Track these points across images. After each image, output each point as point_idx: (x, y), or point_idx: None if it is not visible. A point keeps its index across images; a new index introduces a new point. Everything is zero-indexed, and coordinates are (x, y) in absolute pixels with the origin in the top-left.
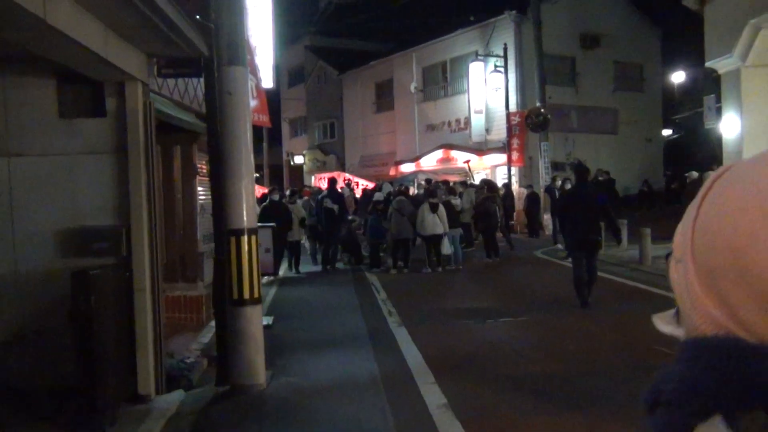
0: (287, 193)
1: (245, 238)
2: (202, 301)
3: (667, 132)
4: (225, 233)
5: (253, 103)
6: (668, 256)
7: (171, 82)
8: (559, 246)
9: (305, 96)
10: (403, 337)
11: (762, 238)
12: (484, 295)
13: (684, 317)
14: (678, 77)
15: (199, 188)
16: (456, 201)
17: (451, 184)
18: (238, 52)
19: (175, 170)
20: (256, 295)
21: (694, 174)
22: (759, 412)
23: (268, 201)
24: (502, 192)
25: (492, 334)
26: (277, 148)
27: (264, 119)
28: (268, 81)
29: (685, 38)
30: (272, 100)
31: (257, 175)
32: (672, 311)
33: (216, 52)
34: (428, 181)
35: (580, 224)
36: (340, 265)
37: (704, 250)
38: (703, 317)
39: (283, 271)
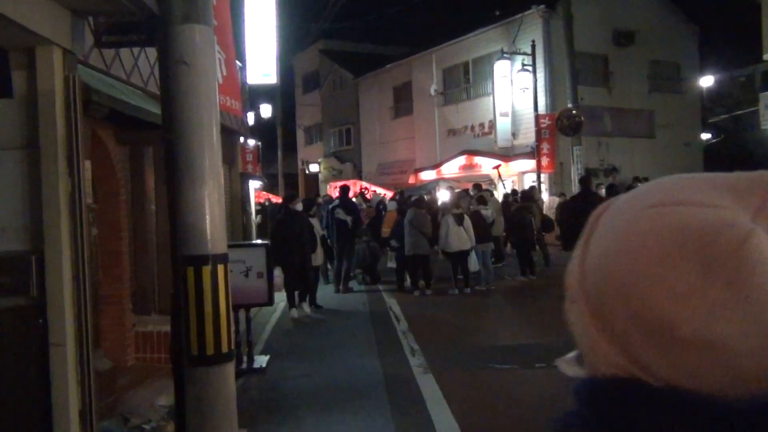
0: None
1: (209, 268)
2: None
3: (705, 136)
4: (180, 261)
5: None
6: None
7: (130, 62)
8: None
9: (320, 102)
10: (430, 390)
11: (650, 279)
12: (527, 326)
13: (584, 358)
14: (715, 78)
15: None
16: (487, 211)
17: (475, 192)
18: (197, 4)
19: (147, 176)
20: (224, 348)
21: None
22: None
23: (283, 212)
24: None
25: (547, 385)
26: (292, 156)
27: (235, 106)
28: (271, 75)
29: (723, 35)
30: (287, 106)
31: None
32: (574, 353)
33: (166, 6)
34: (450, 189)
35: (582, 226)
36: (353, 283)
37: (595, 293)
38: (602, 359)
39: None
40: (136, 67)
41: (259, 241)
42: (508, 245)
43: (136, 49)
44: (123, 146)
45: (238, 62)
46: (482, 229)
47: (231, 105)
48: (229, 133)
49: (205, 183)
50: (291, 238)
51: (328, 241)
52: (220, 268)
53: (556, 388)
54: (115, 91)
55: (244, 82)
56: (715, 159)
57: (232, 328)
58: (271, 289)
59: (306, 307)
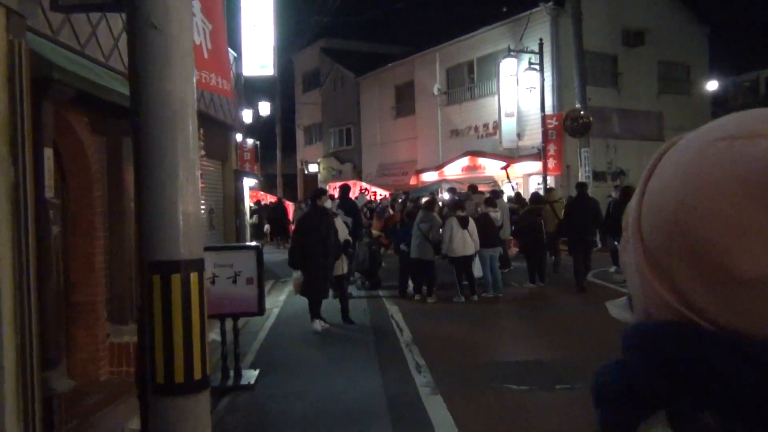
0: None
1: (179, 277)
2: None
3: None
4: (145, 268)
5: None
6: None
7: (109, 43)
8: (613, 270)
9: (321, 101)
10: (440, 415)
11: (712, 214)
12: (541, 340)
13: (635, 303)
14: (719, 82)
15: None
16: (496, 214)
17: (469, 193)
18: None
19: (126, 171)
20: (197, 375)
21: None
22: (703, 414)
23: (310, 207)
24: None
25: (570, 410)
26: (291, 156)
27: (224, 86)
28: (269, 67)
29: (735, 37)
30: (286, 105)
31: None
32: (625, 297)
33: None
34: (452, 190)
35: (580, 228)
36: (353, 289)
37: (651, 229)
38: (653, 302)
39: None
40: (116, 48)
41: (251, 243)
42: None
43: (116, 28)
44: (99, 136)
45: (233, 52)
46: (491, 233)
47: (219, 84)
48: (222, 128)
49: (177, 173)
50: (315, 238)
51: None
52: (194, 276)
53: (580, 413)
54: (86, 72)
55: (239, 74)
56: None
57: (208, 349)
58: (261, 297)
59: (318, 324)
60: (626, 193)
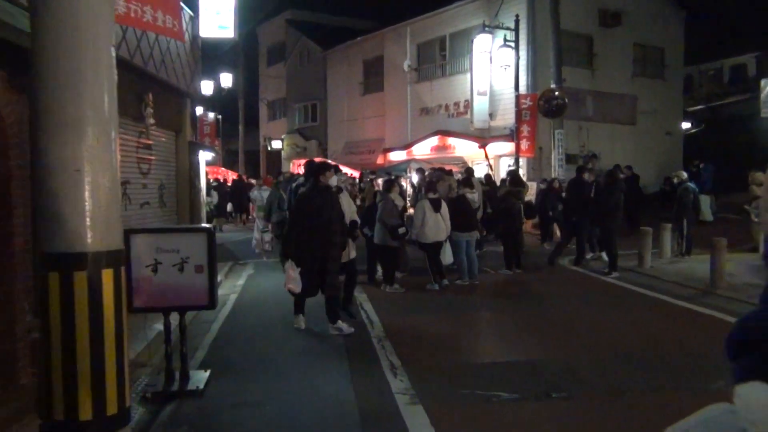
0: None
1: (83, 275)
2: None
3: (685, 125)
4: (39, 264)
5: None
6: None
7: None
8: (590, 257)
9: (285, 75)
10: None
11: None
12: (529, 336)
13: None
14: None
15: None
16: (473, 195)
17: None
18: None
19: None
20: (111, 409)
21: (683, 174)
22: None
23: (311, 185)
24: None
25: (570, 424)
26: (254, 132)
27: (173, 27)
28: (229, 29)
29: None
30: (250, 79)
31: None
32: (761, 257)
33: None
34: (420, 171)
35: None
36: None
37: None
38: None
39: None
40: None
41: (201, 225)
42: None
43: None
44: (18, 94)
45: (188, 10)
46: (468, 216)
47: (164, 23)
48: (176, 94)
49: (84, 132)
50: (317, 224)
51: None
52: (107, 274)
53: (582, 428)
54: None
55: (196, 36)
56: (694, 149)
57: (128, 373)
58: (213, 288)
59: (301, 321)
60: (613, 177)
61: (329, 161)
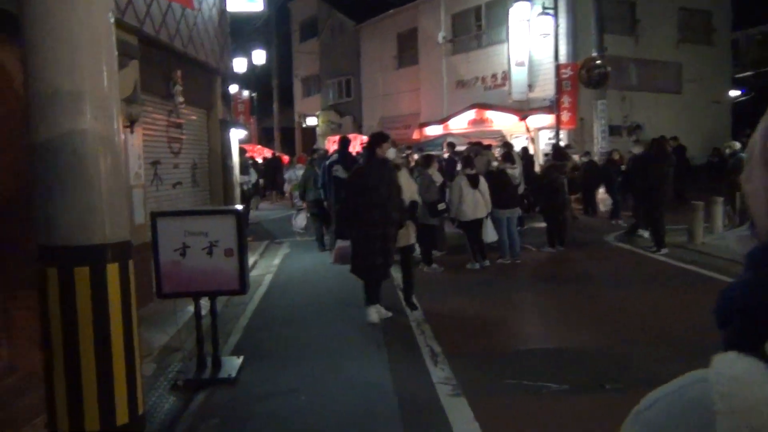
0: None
1: (86, 271)
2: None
3: (734, 93)
4: (37, 258)
5: None
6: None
7: None
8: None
9: (318, 51)
10: (466, 427)
11: None
12: (574, 318)
13: (759, 227)
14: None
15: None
16: (514, 171)
17: (490, 147)
18: None
19: None
20: (122, 418)
21: (736, 145)
22: None
23: (366, 158)
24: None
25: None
26: (289, 109)
27: None
28: (257, 1)
29: None
30: (283, 56)
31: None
32: (746, 226)
33: None
34: (451, 145)
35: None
36: None
37: None
38: None
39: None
40: None
41: (229, 207)
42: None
43: None
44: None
45: None
46: (509, 192)
47: None
48: (205, 71)
49: (78, 113)
50: (374, 200)
51: (325, 202)
52: (112, 269)
53: None
54: None
55: (224, 9)
56: (743, 119)
57: (140, 378)
58: (243, 272)
59: (374, 313)
60: (662, 149)
61: (384, 132)
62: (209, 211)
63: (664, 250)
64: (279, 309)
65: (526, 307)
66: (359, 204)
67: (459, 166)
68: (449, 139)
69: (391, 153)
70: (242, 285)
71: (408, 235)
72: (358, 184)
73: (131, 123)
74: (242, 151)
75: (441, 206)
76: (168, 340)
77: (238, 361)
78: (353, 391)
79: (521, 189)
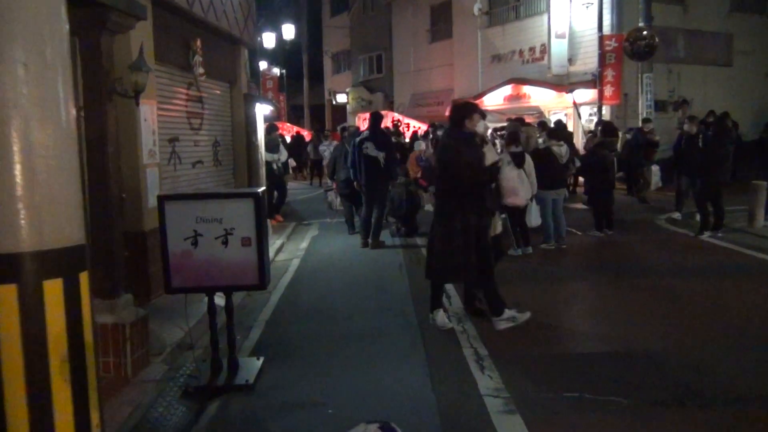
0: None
1: (12, 289)
2: (127, 333)
3: None
4: None
5: None
6: None
7: None
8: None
9: (349, 26)
10: None
11: None
12: (635, 315)
13: None
14: None
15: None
16: (560, 148)
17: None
18: None
19: (101, 73)
20: None
21: None
22: None
23: (452, 134)
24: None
25: None
26: (319, 86)
27: None
28: None
29: None
30: (313, 32)
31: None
32: None
33: None
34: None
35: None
36: (386, 236)
37: None
38: None
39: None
40: None
41: (247, 189)
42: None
43: None
44: None
45: None
46: (555, 172)
47: None
48: (228, 41)
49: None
50: (466, 182)
51: (355, 182)
52: (52, 287)
53: None
54: None
55: None
56: None
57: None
58: (263, 264)
59: (443, 317)
60: (723, 126)
61: (470, 101)
62: (224, 194)
63: (707, 233)
64: (305, 299)
65: (579, 301)
66: (447, 190)
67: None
68: (488, 116)
69: (481, 126)
70: (262, 278)
71: (497, 224)
72: (447, 165)
73: (136, 94)
74: (273, 128)
75: None
76: (183, 336)
77: (258, 363)
78: (387, 403)
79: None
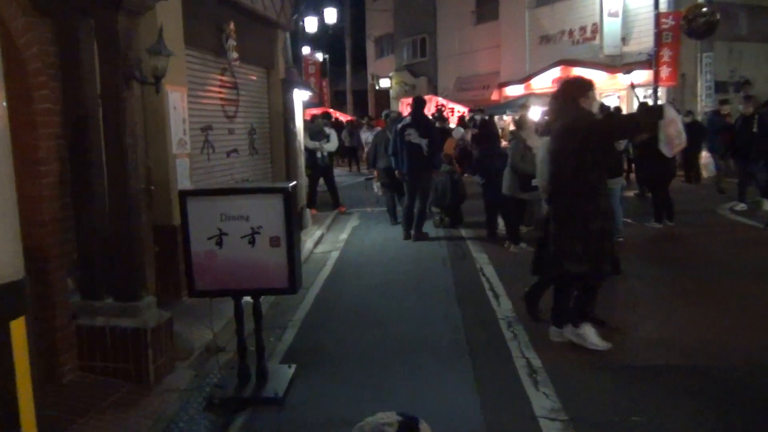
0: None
1: None
2: (149, 339)
3: None
4: None
5: None
6: None
7: None
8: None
9: (392, 8)
10: None
11: None
12: (708, 319)
13: None
14: None
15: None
16: None
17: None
18: None
19: (87, 71)
20: None
21: None
22: None
23: (569, 114)
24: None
25: None
26: (362, 71)
27: None
28: None
29: None
30: (356, 16)
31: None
32: None
33: None
34: (523, 107)
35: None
36: (429, 228)
37: None
38: None
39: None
40: None
41: (278, 185)
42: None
43: None
44: (40, 18)
45: None
46: (613, 159)
47: None
48: (265, 24)
49: None
50: (591, 170)
51: (397, 171)
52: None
53: None
54: None
55: None
56: None
57: None
58: (294, 266)
59: (592, 333)
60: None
61: (583, 78)
62: (251, 189)
63: None
64: (344, 297)
65: (642, 301)
66: (565, 180)
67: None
68: (538, 101)
69: (596, 105)
70: (292, 282)
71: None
72: (564, 152)
73: (156, 79)
74: (325, 115)
75: (535, 182)
76: (212, 337)
77: (289, 371)
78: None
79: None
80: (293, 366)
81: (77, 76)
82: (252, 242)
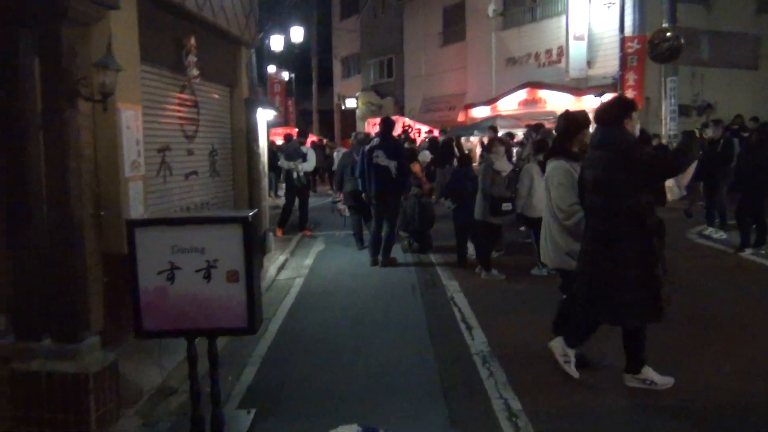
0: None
1: None
2: (90, 385)
3: None
4: None
5: None
6: None
7: None
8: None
9: (359, 29)
10: None
11: None
12: (704, 349)
13: None
14: None
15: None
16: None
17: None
18: None
19: (24, 86)
20: None
21: None
22: None
23: (616, 135)
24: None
25: None
26: (328, 91)
27: None
28: None
29: None
30: (323, 36)
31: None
32: None
33: None
34: (493, 129)
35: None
36: (398, 252)
37: None
38: None
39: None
40: None
41: (235, 213)
42: None
43: None
44: None
45: None
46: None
47: None
48: (227, 41)
49: None
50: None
51: (363, 195)
52: None
53: None
54: None
55: None
56: None
57: None
58: (253, 303)
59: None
60: (764, 131)
61: (627, 97)
62: (206, 218)
63: (749, 250)
64: (308, 330)
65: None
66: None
67: (526, 151)
68: (503, 122)
69: (637, 128)
70: (251, 321)
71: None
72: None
73: (104, 96)
74: (302, 134)
75: (506, 206)
76: (164, 378)
77: (248, 418)
78: None
79: None
80: (252, 411)
81: (15, 92)
82: (207, 277)
